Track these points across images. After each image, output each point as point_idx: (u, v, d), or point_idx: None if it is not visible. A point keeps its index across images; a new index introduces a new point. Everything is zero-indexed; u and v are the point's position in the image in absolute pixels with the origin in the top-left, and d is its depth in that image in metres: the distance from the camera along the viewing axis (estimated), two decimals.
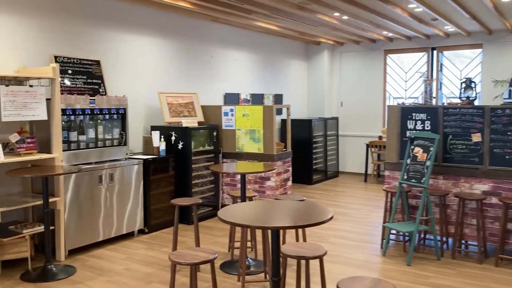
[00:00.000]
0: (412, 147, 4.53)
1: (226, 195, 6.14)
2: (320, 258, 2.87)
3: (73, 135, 4.63)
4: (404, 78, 8.97)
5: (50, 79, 4.22)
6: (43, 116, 4.15)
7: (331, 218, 2.47)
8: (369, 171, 8.89)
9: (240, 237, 3.78)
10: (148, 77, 5.95)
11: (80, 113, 4.62)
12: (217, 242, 4.98)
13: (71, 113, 4.53)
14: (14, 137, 4.05)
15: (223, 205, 6.19)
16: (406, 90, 8.96)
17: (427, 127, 4.66)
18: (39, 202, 4.07)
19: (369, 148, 8.65)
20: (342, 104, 9.54)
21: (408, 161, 4.50)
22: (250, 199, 4.43)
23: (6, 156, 4.01)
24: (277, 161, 5.77)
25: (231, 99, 7.35)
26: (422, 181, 4.30)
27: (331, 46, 9.50)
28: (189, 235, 5.18)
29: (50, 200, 4.14)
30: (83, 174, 4.51)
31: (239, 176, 6.00)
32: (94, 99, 4.76)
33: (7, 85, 3.88)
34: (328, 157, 8.92)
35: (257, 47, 8.02)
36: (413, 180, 4.39)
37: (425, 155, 4.36)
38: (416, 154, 4.47)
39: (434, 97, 7.67)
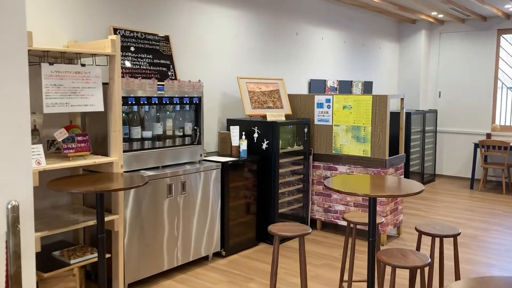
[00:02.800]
0: None
1: (317, 207, 4.91)
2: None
3: (136, 131, 3.54)
4: None
5: (108, 56, 3.14)
6: (99, 107, 3.08)
7: None
8: (476, 176, 7.37)
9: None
10: (225, 58, 4.80)
11: (145, 102, 3.53)
12: (320, 276, 3.77)
13: (133, 102, 3.44)
14: (60, 135, 3.01)
15: (313, 220, 4.98)
16: None
17: None
18: (92, 223, 3.01)
19: (478, 149, 7.12)
20: (440, 95, 8.03)
21: None
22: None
23: (50, 160, 2.98)
24: (389, 168, 4.47)
25: (317, 87, 6.09)
26: None
27: (429, 25, 7.98)
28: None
29: (106, 219, 3.09)
30: (148, 183, 3.42)
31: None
32: (163, 85, 3.66)
33: (51, 63, 2.82)
34: (425, 157, 7.47)
35: (347, 25, 6.68)
36: None
37: None
38: None
39: None
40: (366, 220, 3.27)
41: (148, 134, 3.64)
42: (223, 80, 4.79)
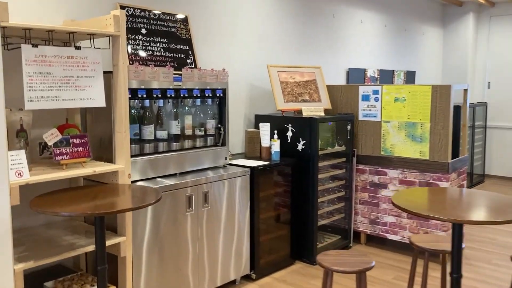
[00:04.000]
0: None
1: (361, 218, 4.19)
2: None
3: (148, 131, 2.89)
4: None
5: (110, 36, 2.48)
6: (99, 101, 2.43)
7: None
8: None
9: None
10: (252, 43, 4.10)
11: (159, 95, 2.86)
12: None
13: (144, 95, 2.78)
14: (51, 137, 2.37)
15: (356, 232, 4.26)
16: None
17: None
18: (92, 248, 2.37)
19: None
20: (489, 86, 7.18)
21: None
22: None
23: (39, 168, 2.34)
24: (451, 173, 3.72)
25: (355, 77, 5.35)
26: None
27: (478, 8, 7.13)
28: (316, 285, 3.33)
29: (110, 242, 2.44)
30: (162, 195, 2.76)
31: (382, 193, 4.03)
32: (180, 74, 2.99)
33: (34, 45, 2.17)
34: (474, 156, 6.65)
35: (388, 6, 5.90)
36: None
37: None
38: None
39: None
40: (440, 245, 2.55)
41: (163, 134, 2.99)
42: (251, 69, 4.10)
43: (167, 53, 3.29)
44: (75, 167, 2.43)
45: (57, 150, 2.39)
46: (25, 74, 2.12)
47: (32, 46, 2.15)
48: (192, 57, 3.46)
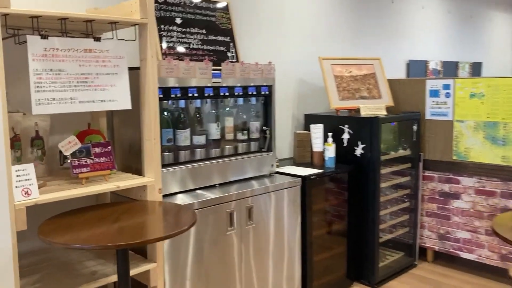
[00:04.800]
0: None
1: (428, 232, 3.63)
2: None
3: (183, 137, 2.48)
4: None
5: (136, 25, 2.08)
6: (124, 103, 2.03)
7: None
8: None
9: None
10: (302, 33, 3.63)
11: (196, 94, 2.44)
12: None
13: (179, 94, 2.37)
14: (68, 145, 2.00)
15: (422, 248, 3.70)
16: None
17: None
18: (114, 279, 1.98)
19: None
20: None
21: None
22: None
23: (56, 183, 1.98)
24: None
25: (416, 69, 4.76)
26: None
27: None
28: None
29: (138, 270, 2.05)
30: (197, 212, 2.35)
31: (454, 204, 3.45)
32: (220, 70, 2.56)
33: (43, 37, 1.79)
34: None
35: None
36: None
37: None
38: None
39: None
40: None
41: (200, 139, 2.57)
42: (300, 63, 3.63)
43: (205, 45, 2.87)
44: (96, 182, 2.05)
45: (76, 162, 2.01)
46: (32, 71, 1.75)
47: (41, 38, 1.78)
48: (233, 50, 3.02)
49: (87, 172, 2.03)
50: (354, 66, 3.57)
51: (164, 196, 2.28)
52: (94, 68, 1.93)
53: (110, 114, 2.48)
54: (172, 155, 2.46)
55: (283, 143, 3.54)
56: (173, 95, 2.35)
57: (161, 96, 2.28)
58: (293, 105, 3.61)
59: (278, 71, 3.46)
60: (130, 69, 2.12)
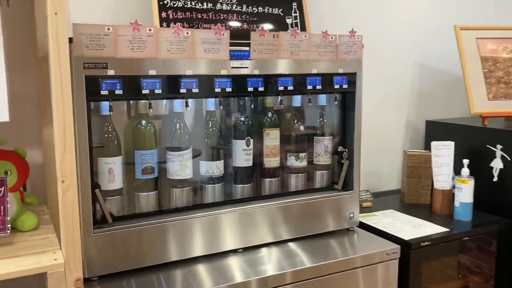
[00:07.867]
0: None
1: None
2: None
3: (178, 165, 1.37)
4: None
5: None
6: None
7: None
8: None
9: None
10: None
11: (196, 90, 1.30)
12: None
13: (158, 90, 1.26)
14: None
15: None
16: None
17: None
18: None
19: None
20: None
21: None
22: None
23: None
24: None
25: None
26: None
27: None
28: None
29: None
30: None
31: None
32: (247, 45, 1.38)
33: None
34: None
35: None
36: None
37: None
38: None
39: None
40: None
41: (213, 168, 1.45)
42: (416, 37, 2.25)
43: (244, 6, 1.70)
44: None
45: None
46: None
47: None
48: (297, 14, 1.80)
49: None
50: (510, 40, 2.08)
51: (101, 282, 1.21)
52: None
53: None
54: (154, 197, 1.38)
55: (386, 167, 2.23)
56: (145, 91, 1.24)
57: (106, 92, 1.19)
58: (404, 105, 2.26)
59: (375, 49, 2.12)
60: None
